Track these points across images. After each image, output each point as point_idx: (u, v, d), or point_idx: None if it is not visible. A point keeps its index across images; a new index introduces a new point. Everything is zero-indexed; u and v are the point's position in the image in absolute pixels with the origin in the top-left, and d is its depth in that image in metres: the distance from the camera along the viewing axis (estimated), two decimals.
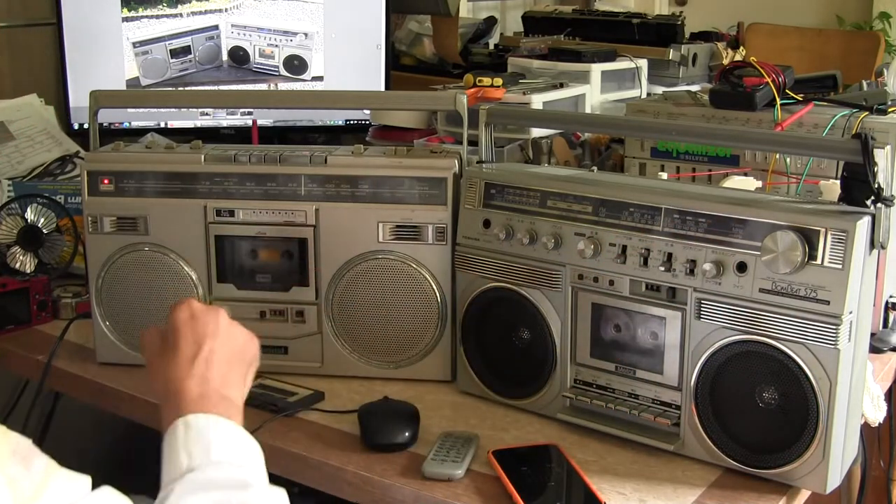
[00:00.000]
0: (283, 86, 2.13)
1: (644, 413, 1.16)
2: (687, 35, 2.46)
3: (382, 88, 2.13)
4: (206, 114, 2.14)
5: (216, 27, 2.11)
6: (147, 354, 1.02)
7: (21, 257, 1.63)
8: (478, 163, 1.32)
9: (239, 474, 0.87)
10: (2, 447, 0.61)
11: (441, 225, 1.32)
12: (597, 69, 2.05)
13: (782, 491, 1.08)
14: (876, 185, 1.04)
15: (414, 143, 1.82)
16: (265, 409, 1.27)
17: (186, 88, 2.10)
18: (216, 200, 1.36)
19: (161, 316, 1.38)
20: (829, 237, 1.03)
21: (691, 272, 1.10)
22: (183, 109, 2.12)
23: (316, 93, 2.04)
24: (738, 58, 2.39)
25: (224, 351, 0.99)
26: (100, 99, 1.40)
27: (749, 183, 1.40)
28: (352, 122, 2.18)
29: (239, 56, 2.12)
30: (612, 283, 1.17)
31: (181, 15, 2.09)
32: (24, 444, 0.64)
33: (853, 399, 1.08)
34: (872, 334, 1.22)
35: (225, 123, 2.14)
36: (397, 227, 1.33)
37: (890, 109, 1.50)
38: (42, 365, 1.40)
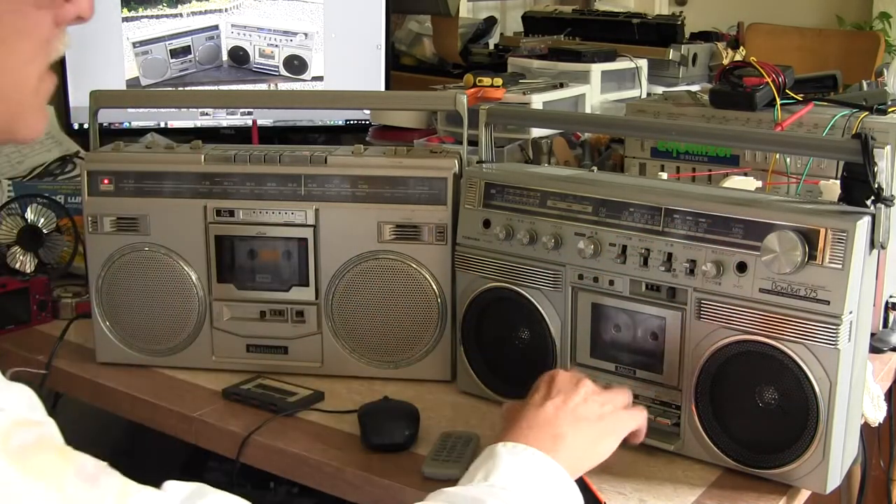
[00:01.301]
0: (283, 86, 2.13)
1: None
2: (687, 35, 2.46)
3: (382, 88, 2.13)
4: (206, 114, 2.14)
5: (216, 27, 2.10)
6: (504, 412, 1.06)
7: (21, 257, 1.63)
8: (478, 163, 1.32)
9: (484, 496, 0.87)
10: (61, 469, 0.60)
11: (441, 225, 1.32)
12: (597, 69, 2.05)
13: (782, 491, 1.08)
14: (876, 185, 1.04)
15: (414, 143, 1.82)
16: (265, 409, 1.27)
17: (186, 88, 2.10)
18: (216, 200, 1.36)
19: (161, 316, 1.39)
20: (829, 237, 1.03)
21: (691, 272, 1.10)
22: (183, 109, 2.12)
23: (316, 93, 2.04)
24: (738, 58, 2.39)
25: (580, 407, 1.00)
26: (100, 99, 1.40)
27: (749, 183, 1.40)
28: (352, 122, 2.18)
29: (239, 56, 2.12)
30: (612, 283, 1.17)
31: (181, 15, 2.09)
32: (92, 464, 0.63)
33: (853, 399, 1.08)
34: (872, 334, 1.22)
35: (225, 123, 2.14)
36: (397, 227, 1.33)
37: (890, 109, 1.50)
38: (42, 365, 1.40)
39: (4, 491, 0.56)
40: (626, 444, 1.06)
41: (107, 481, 0.63)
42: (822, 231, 1.03)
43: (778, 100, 1.54)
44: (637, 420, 1.06)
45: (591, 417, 1.00)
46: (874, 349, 1.36)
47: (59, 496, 0.59)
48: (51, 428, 0.62)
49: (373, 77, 2.12)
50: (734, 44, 2.53)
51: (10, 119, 0.68)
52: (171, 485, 0.70)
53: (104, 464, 0.64)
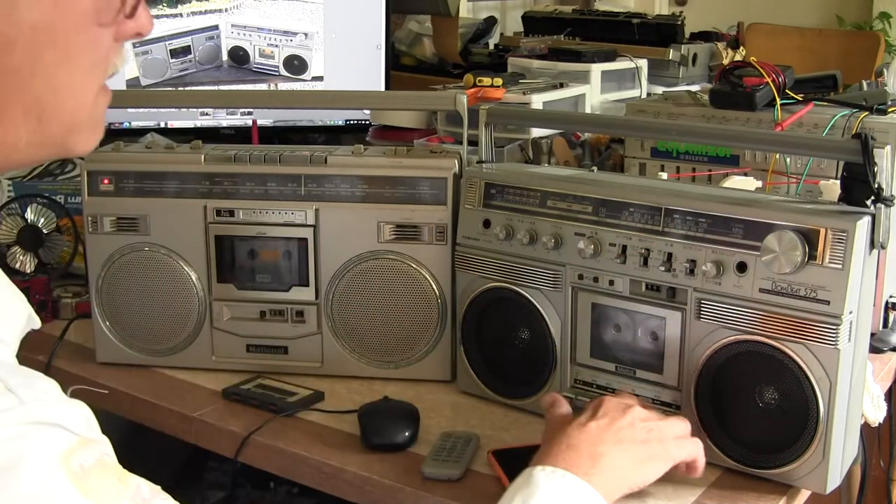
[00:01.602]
0: (283, 86, 2.13)
1: None
2: (687, 35, 2.46)
3: (382, 88, 2.13)
4: (206, 114, 2.14)
5: (216, 27, 2.10)
6: (550, 420, 1.06)
7: (21, 257, 1.63)
8: (478, 163, 1.32)
9: None
10: (118, 492, 0.61)
11: (441, 225, 1.32)
12: (597, 69, 2.05)
13: (782, 491, 1.08)
14: (876, 185, 1.04)
15: (414, 143, 1.82)
16: (265, 409, 1.27)
17: (186, 88, 2.10)
18: (216, 200, 1.36)
19: (161, 316, 1.39)
20: (829, 237, 1.03)
21: (691, 272, 1.10)
22: (183, 109, 2.12)
23: (316, 93, 2.03)
24: (738, 58, 2.39)
25: (624, 430, 1.00)
26: None
27: (749, 183, 1.40)
28: (352, 122, 2.18)
29: (239, 56, 2.12)
30: (612, 283, 1.17)
31: (181, 15, 2.09)
32: (147, 488, 0.64)
33: (853, 399, 1.08)
34: (872, 334, 1.22)
35: (225, 123, 2.14)
36: (397, 227, 1.33)
37: (890, 109, 1.50)
38: (42, 365, 1.40)
39: None
40: (684, 474, 1.04)
41: None
42: (822, 231, 1.03)
43: (778, 100, 1.54)
44: (689, 451, 1.04)
45: (635, 440, 0.99)
46: (874, 349, 1.36)
47: None
48: (107, 447, 0.63)
49: (373, 77, 2.12)
50: (734, 44, 2.53)
51: (67, 134, 0.69)
52: None
53: (158, 488, 0.65)
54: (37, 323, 0.72)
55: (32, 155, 0.69)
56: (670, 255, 1.12)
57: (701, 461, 1.04)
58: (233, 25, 2.11)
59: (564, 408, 1.07)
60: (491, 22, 2.91)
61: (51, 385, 0.62)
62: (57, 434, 0.58)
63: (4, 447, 0.55)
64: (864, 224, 1.03)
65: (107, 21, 0.68)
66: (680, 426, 1.05)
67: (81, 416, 0.62)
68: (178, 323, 1.39)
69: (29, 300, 0.83)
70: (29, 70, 0.64)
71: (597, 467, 0.94)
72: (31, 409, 0.58)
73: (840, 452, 1.07)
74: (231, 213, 1.36)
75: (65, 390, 0.64)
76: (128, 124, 2.12)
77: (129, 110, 2.11)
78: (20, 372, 0.60)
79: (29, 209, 1.66)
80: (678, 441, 1.03)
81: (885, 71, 1.73)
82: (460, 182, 1.31)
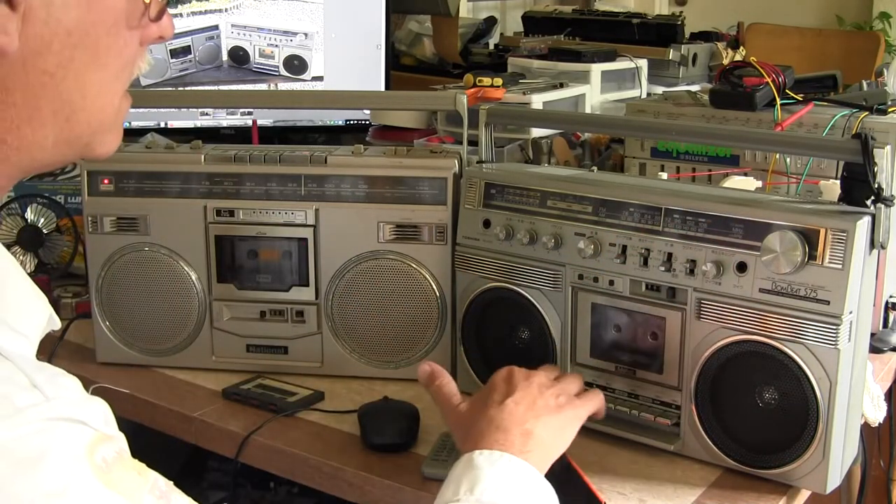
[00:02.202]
0: (283, 86, 2.13)
1: (644, 413, 1.16)
2: (687, 35, 2.46)
3: (382, 88, 2.13)
4: (206, 114, 2.13)
5: (216, 27, 2.10)
6: (440, 399, 1.07)
7: (21, 257, 1.63)
8: (478, 163, 1.32)
9: None
10: (138, 485, 0.62)
11: (441, 225, 1.32)
12: (597, 69, 2.05)
13: (782, 491, 1.08)
14: (876, 185, 1.04)
15: (414, 143, 1.82)
16: (265, 409, 1.27)
17: (186, 88, 2.10)
18: (216, 200, 1.36)
19: (161, 316, 1.39)
20: (829, 237, 1.03)
21: (691, 272, 1.10)
22: (183, 109, 2.12)
23: (316, 93, 2.03)
24: (738, 58, 2.39)
25: (538, 401, 1.02)
26: None
27: (749, 183, 1.40)
28: (352, 122, 2.18)
29: (239, 56, 2.12)
30: (612, 283, 1.17)
31: (181, 15, 2.09)
32: (163, 482, 0.65)
33: (853, 399, 1.08)
34: (872, 334, 1.22)
35: (225, 123, 2.14)
36: (397, 227, 1.33)
37: (890, 109, 1.50)
38: None
39: (87, 501, 0.58)
40: (589, 421, 1.07)
41: (177, 500, 0.65)
42: (822, 231, 1.03)
43: (778, 100, 1.54)
44: (595, 403, 1.07)
45: (550, 408, 1.01)
46: (874, 349, 1.36)
47: None
48: (124, 443, 0.64)
49: (373, 77, 2.12)
50: (734, 44, 2.53)
51: (91, 136, 0.70)
52: None
53: (171, 483, 0.66)
54: (57, 324, 0.74)
55: (58, 155, 0.70)
56: (670, 255, 1.12)
57: (603, 407, 1.09)
58: (233, 25, 2.11)
59: (448, 385, 1.07)
60: (491, 22, 2.91)
61: (73, 382, 0.63)
62: (79, 429, 0.59)
63: (30, 441, 0.56)
64: (864, 224, 1.03)
65: (134, 24, 0.69)
66: (577, 382, 1.09)
67: (101, 412, 0.63)
68: (178, 323, 1.39)
69: None
70: (62, 72, 0.65)
71: (529, 445, 0.96)
72: (55, 405, 0.59)
73: (840, 452, 1.07)
74: (231, 213, 1.36)
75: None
76: (128, 124, 2.11)
77: (130, 110, 2.10)
78: (44, 369, 0.61)
79: (29, 209, 1.66)
80: (584, 398, 1.06)
81: (885, 71, 1.73)
82: (460, 182, 1.31)
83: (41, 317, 0.70)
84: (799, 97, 1.57)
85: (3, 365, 0.59)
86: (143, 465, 0.64)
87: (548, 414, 1.01)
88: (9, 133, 0.65)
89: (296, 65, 2.12)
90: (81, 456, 0.58)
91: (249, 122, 2.07)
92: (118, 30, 0.68)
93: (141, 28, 0.70)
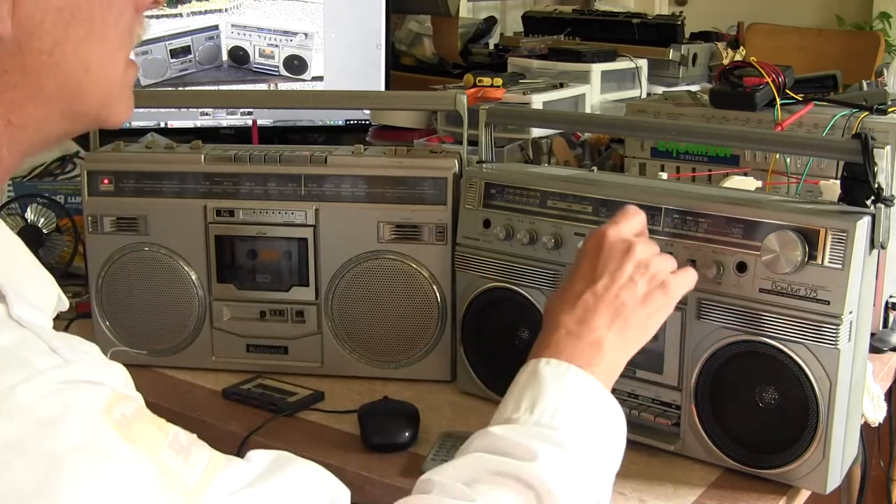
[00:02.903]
0: (283, 86, 2.13)
1: (644, 413, 1.16)
2: (687, 35, 2.46)
3: (382, 88, 2.13)
4: (206, 114, 2.14)
5: (216, 27, 2.10)
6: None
7: None
8: (478, 163, 1.32)
9: (535, 442, 0.84)
10: (157, 439, 0.63)
11: (441, 225, 1.32)
12: (597, 69, 2.05)
13: (782, 491, 1.08)
14: (876, 185, 1.04)
15: (414, 143, 1.82)
16: (265, 409, 1.27)
17: (186, 88, 2.10)
18: (216, 200, 1.36)
19: (161, 316, 1.39)
20: (829, 237, 1.03)
21: None
22: (183, 109, 2.12)
23: (316, 93, 2.04)
24: (738, 58, 2.39)
25: (623, 291, 0.96)
26: None
27: (749, 183, 1.40)
28: (352, 122, 2.18)
29: (239, 56, 2.12)
30: None
31: (181, 15, 2.09)
32: (184, 436, 0.66)
33: (853, 399, 1.08)
34: (872, 334, 1.22)
35: (225, 123, 2.14)
36: (397, 227, 1.33)
37: (890, 109, 1.50)
38: None
39: (111, 457, 0.59)
40: None
41: (198, 452, 0.66)
42: (822, 231, 1.03)
43: (778, 100, 1.54)
44: (688, 284, 1.02)
45: (637, 299, 0.96)
46: (874, 349, 1.36)
47: (156, 464, 0.61)
48: (142, 402, 0.65)
49: (373, 77, 2.12)
50: (734, 44, 2.53)
51: (101, 106, 0.71)
52: (255, 454, 0.73)
53: (194, 436, 0.67)
54: (65, 304, 0.75)
55: (68, 129, 0.71)
56: (670, 255, 1.12)
57: (693, 284, 1.03)
58: (233, 25, 2.11)
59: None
60: (491, 22, 2.91)
61: (92, 348, 0.65)
62: (98, 389, 0.61)
63: (50, 401, 0.57)
64: (864, 224, 1.03)
65: None
66: (672, 260, 1.02)
67: (121, 375, 0.65)
68: (178, 323, 1.39)
69: None
70: (59, 49, 0.66)
71: (597, 357, 0.93)
72: (74, 368, 0.60)
73: (840, 452, 1.07)
74: (231, 213, 1.36)
75: None
76: (128, 124, 2.11)
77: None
78: (61, 336, 0.63)
79: (29, 209, 1.66)
80: (676, 278, 1.01)
81: (885, 71, 1.73)
82: (460, 182, 1.31)
83: (52, 296, 0.72)
84: (799, 97, 1.57)
85: (22, 332, 0.60)
86: (163, 420, 0.65)
87: (632, 309, 0.96)
88: (12, 113, 0.66)
89: (296, 65, 2.12)
90: (100, 413, 0.59)
91: (249, 122, 2.07)
92: (111, 0, 0.68)
93: None
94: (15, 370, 0.58)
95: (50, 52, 0.66)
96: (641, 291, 0.97)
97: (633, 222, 1.03)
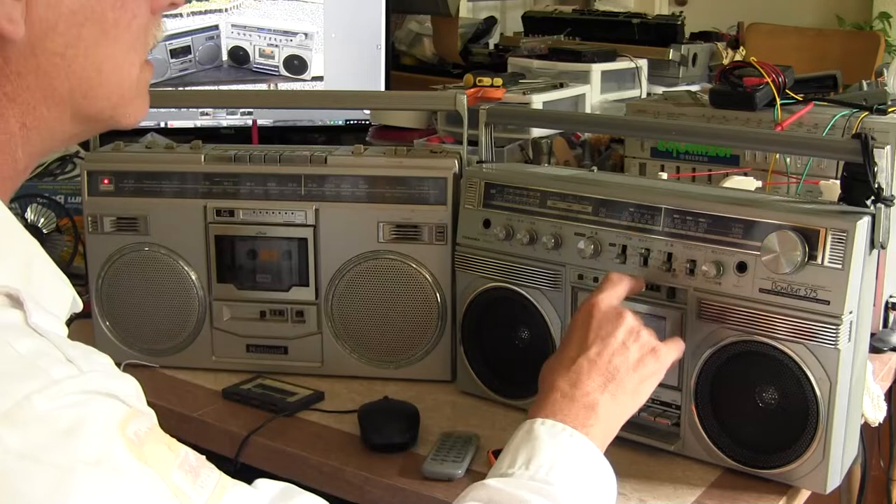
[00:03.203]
0: (283, 86, 2.13)
1: (644, 413, 1.16)
2: (687, 35, 2.46)
3: (382, 88, 2.13)
4: (206, 114, 2.14)
5: (216, 27, 2.10)
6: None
7: None
8: (478, 163, 1.32)
9: (529, 494, 0.86)
10: (168, 459, 0.63)
11: (441, 225, 1.32)
12: (597, 69, 2.05)
13: (782, 491, 1.08)
14: (876, 185, 1.04)
15: (414, 143, 1.82)
16: (265, 409, 1.27)
17: (186, 88, 2.10)
18: (216, 200, 1.36)
19: (161, 316, 1.39)
20: (829, 237, 1.03)
21: (691, 272, 1.10)
22: (183, 109, 2.12)
23: (316, 93, 2.04)
24: (738, 58, 2.39)
25: (616, 357, 0.99)
26: None
27: (749, 183, 1.40)
28: (352, 122, 2.18)
29: (239, 56, 2.12)
30: None
31: (181, 15, 2.09)
32: (194, 457, 0.66)
33: (853, 399, 1.08)
34: (872, 334, 1.22)
35: (225, 123, 2.14)
36: (397, 227, 1.33)
37: (890, 109, 1.50)
38: None
39: (123, 476, 0.59)
40: None
41: (206, 474, 0.66)
42: (822, 231, 1.03)
43: (778, 100, 1.54)
44: (676, 353, 1.04)
45: (628, 367, 0.99)
46: (874, 349, 1.36)
47: (165, 485, 0.61)
48: (155, 419, 0.65)
49: (373, 77, 2.12)
50: (734, 44, 2.53)
51: (114, 108, 0.71)
52: (262, 483, 0.73)
53: (203, 457, 0.67)
54: (79, 306, 0.75)
55: (82, 130, 0.71)
56: (670, 255, 1.12)
57: (681, 353, 1.06)
58: (233, 25, 2.11)
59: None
60: (491, 22, 2.91)
61: (106, 359, 0.65)
62: (113, 404, 0.61)
63: (67, 412, 0.58)
64: (864, 224, 1.03)
65: None
66: (653, 332, 1.05)
67: (133, 388, 0.65)
68: (178, 323, 1.39)
69: None
70: (72, 51, 0.66)
71: (591, 419, 0.95)
72: (90, 378, 0.60)
73: (840, 452, 1.07)
74: (231, 213, 1.36)
75: None
76: None
77: None
78: (77, 346, 0.63)
79: (29, 209, 1.66)
80: (666, 345, 1.03)
81: (885, 71, 1.73)
82: (460, 182, 1.31)
83: (67, 300, 0.72)
84: (799, 97, 1.57)
85: (38, 341, 0.60)
86: (174, 440, 0.65)
87: (625, 373, 0.98)
88: (26, 116, 0.66)
89: (296, 65, 2.12)
90: (115, 430, 0.59)
91: (249, 122, 2.07)
92: (124, 2, 0.68)
93: None
94: (32, 379, 0.57)
95: (62, 55, 0.66)
96: (634, 357, 1.00)
97: (619, 289, 1.06)
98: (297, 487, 0.74)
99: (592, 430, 0.94)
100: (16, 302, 0.61)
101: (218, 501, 0.65)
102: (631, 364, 0.99)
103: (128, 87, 0.71)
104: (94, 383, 0.60)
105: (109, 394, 0.61)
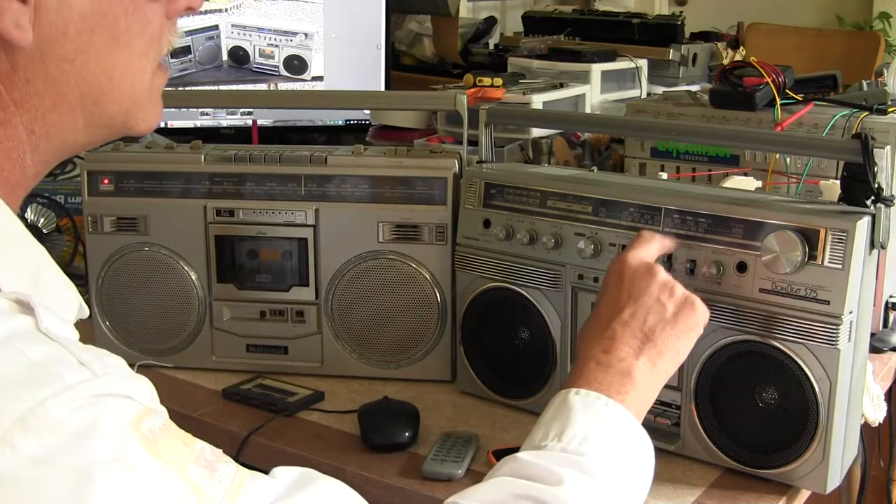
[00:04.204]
0: (283, 86, 2.13)
1: None
2: (687, 35, 2.46)
3: (382, 88, 2.13)
4: (206, 114, 2.14)
5: (216, 27, 2.10)
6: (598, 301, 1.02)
7: None
8: (478, 163, 1.32)
9: (562, 468, 0.83)
10: (184, 454, 0.62)
11: (441, 225, 1.32)
12: (597, 69, 2.05)
13: (782, 491, 1.08)
14: (876, 185, 1.04)
15: (414, 143, 1.82)
16: (265, 409, 1.27)
17: (186, 88, 2.10)
18: (216, 200, 1.36)
19: (161, 316, 1.39)
20: (829, 237, 1.03)
21: (691, 272, 1.10)
22: (183, 109, 2.12)
23: (316, 93, 2.04)
24: (738, 58, 2.39)
25: (650, 315, 0.96)
26: None
27: (749, 183, 1.40)
28: (352, 122, 2.18)
29: (239, 56, 2.12)
30: None
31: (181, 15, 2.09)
32: (210, 451, 0.65)
33: (853, 399, 1.08)
34: (872, 334, 1.22)
35: (225, 123, 2.14)
36: (397, 227, 1.33)
37: (890, 109, 1.50)
38: None
39: (139, 473, 0.58)
40: None
41: (223, 469, 0.65)
42: (822, 231, 1.03)
43: (778, 100, 1.54)
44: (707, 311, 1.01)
45: (664, 324, 0.96)
46: (874, 349, 1.36)
47: (182, 480, 0.61)
48: (168, 417, 0.65)
49: (373, 77, 2.12)
50: (734, 44, 2.53)
51: (126, 114, 0.70)
52: (280, 471, 0.72)
53: (220, 451, 0.66)
54: (86, 312, 0.75)
55: (94, 136, 0.70)
56: (670, 255, 1.12)
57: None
58: (233, 25, 2.11)
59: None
60: (491, 22, 2.91)
61: (119, 361, 0.64)
62: (126, 403, 0.60)
63: (80, 414, 0.57)
64: (864, 224, 1.03)
65: None
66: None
67: (147, 389, 0.64)
68: (178, 323, 1.39)
69: None
70: (82, 57, 0.65)
71: (627, 385, 0.92)
72: (104, 381, 0.60)
73: (840, 452, 1.07)
74: (231, 213, 1.36)
75: None
76: None
77: None
78: (90, 349, 0.62)
79: (29, 209, 1.66)
80: (700, 300, 1.00)
81: (885, 71, 1.73)
82: (460, 182, 1.31)
83: (74, 305, 0.72)
84: (799, 97, 1.57)
85: (51, 346, 0.60)
86: (190, 436, 0.65)
87: (661, 332, 0.95)
88: (35, 122, 0.65)
89: (296, 65, 2.12)
90: (128, 427, 0.59)
91: (249, 122, 2.07)
92: (136, 7, 0.67)
93: (165, 1, 0.70)
94: (46, 385, 0.57)
95: (72, 60, 0.65)
96: (670, 311, 0.97)
97: (651, 246, 1.03)
98: (315, 472, 0.73)
99: (628, 396, 0.91)
100: (26, 308, 0.61)
101: (236, 495, 0.64)
102: (668, 319, 0.96)
103: (140, 93, 0.70)
104: (109, 386, 0.60)
105: (123, 395, 0.61)
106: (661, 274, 0.99)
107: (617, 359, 0.94)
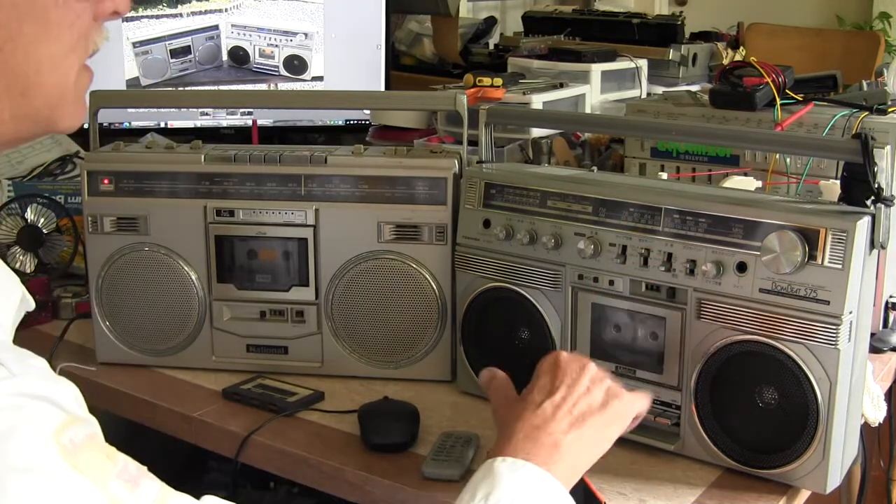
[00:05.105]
0: (283, 86, 2.13)
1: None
2: (687, 35, 2.46)
3: (382, 88, 2.13)
4: (206, 114, 2.14)
5: (216, 27, 2.10)
6: (494, 399, 1.03)
7: (21, 257, 1.63)
8: (478, 163, 1.32)
9: None
10: (106, 468, 0.62)
11: (441, 225, 1.32)
12: (597, 69, 2.05)
13: (782, 491, 1.08)
14: (876, 185, 1.04)
15: (414, 143, 1.82)
16: (265, 409, 1.27)
17: (186, 88, 2.10)
18: (216, 200, 1.36)
19: (161, 316, 1.39)
20: (829, 237, 1.03)
21: (691, 272, 1.10)
22: (183, 109, 2.12)
23: (316, 93, 2.04)
24: (738, 58, 2.39)
25: (581, 401, 0.97)
26: (100, 99, 1.40)
27: (749, 183, 1.40)
28: (352, 122, 2.18)
29: (239, 56, 2.12)
30: (612, 283, 1.17)
31: (181, 15, 2.09)
32: (134, 467, 0.64)
33: (853, 399, 1.08)
34: (872, 334, 1.22)
35: (225, 123, 2.14)
36: (397, 227, 1.33)
37: (890, 109, 1.50)
38: None
39: (55, 484, 0.57)
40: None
41: (147, 484, 0.64)
42: (822, 231, 1.03)
43: (778, 100, 1.54)
44: (641, 403, 1.02)
45: (593, 410, 0.97)
46: (874, 349, 1.36)
47: (103, 495, 0.60)
48: (96, 427, 0.64)
49: (373, 77, 2.12)
50: (734, 44, 2.53)
51: (52, 109, 0.70)
52: (209, 500, 0.71)
53: (144, 468, 0.65)
54: (31, 304, 0.74)
55: (20, 131, 0.70)
56: (670, 255, 1.12)
57: (646, 411, 1.03)
58: (233, 25, 2.11)
59: (504, 385, 1.04)
60: (491, 22, 2.91)
61: (41, 362, 0.63)
62: (48, 409, 0.59)
63: None
64: (864, 224, 1.03)
65: None
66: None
67: (71, 393, 0.63)
68: (178, 323, 1.39)
69: None
70: (10, 45, 0.65)
71: (554, 457, 0.92)
72: (20, 381, 0.59)
73: (840, 452, 1.07)
74: (231, 213, 1.36)
75: None
76: (128, 124, 2.12)
77: (129, 110, 2.11)
78: (13, 350, 0.62)
79: (29, 209, 1.66)
80: (632, 396, 1.01)
81: (885, 71, 1.73)
82: (460, 182, 1.31)
83: (13, 301, 0.71)
84: (799, 97, 1.57)
85: None
86: (114, 449, 0.64)
87: (589, 416, 0.96)
88: None
89: (296, 65, 2.12)
90: (49, 437, 0.58)
91: (249, 122, 2.07)
92: (69, 2, 0.67)
93: (94, 1, 0.70)
94: None
95: (1, 48, 0.64)
96: (598, 400, 0.98)
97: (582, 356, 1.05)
98: None
99: (555, 467, 0.91)
100: None
101: None
102: (596, 406, 0.97)
103: (66, 89, 0.70)
104: (26, 386, 0.59)
105: (43, 397, 0.59)
106: (593, 367, 1.01)
107: (546, 433, 0.94)
